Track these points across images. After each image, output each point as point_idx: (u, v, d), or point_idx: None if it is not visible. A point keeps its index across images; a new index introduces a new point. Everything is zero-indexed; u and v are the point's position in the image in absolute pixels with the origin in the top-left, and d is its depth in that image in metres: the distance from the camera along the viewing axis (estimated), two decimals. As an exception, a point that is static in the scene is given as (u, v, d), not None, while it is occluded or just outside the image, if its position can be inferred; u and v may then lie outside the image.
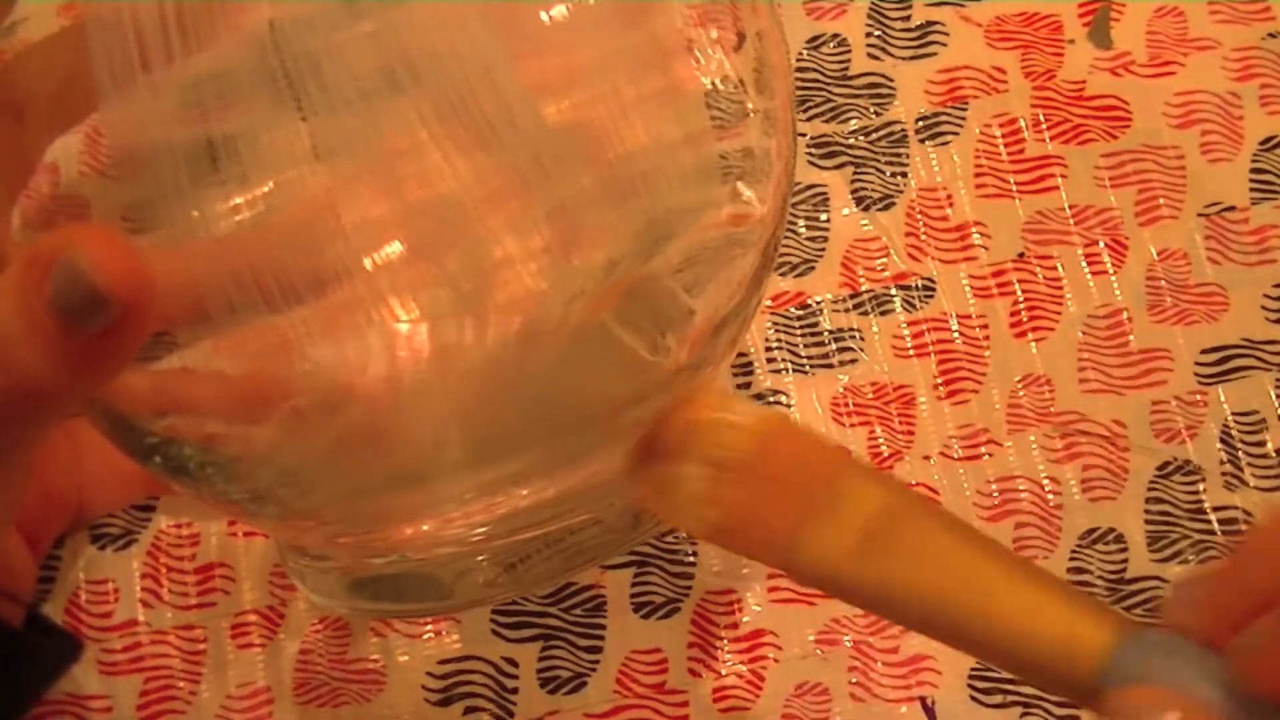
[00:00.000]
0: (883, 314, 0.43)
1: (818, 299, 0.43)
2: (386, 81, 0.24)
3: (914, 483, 0.41)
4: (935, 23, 0.45)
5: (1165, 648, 0.25)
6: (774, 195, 0.29)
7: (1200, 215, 0.43)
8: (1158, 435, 0.42)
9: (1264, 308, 0.42)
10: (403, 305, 0.25)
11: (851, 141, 0.44)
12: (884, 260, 0.43)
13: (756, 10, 0.29)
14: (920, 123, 0.44)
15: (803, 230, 0.43)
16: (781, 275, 0.43)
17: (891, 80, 0.45)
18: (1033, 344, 0.42)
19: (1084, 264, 0.43)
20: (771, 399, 0.42)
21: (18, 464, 0.29)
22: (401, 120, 0.24)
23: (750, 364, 0.42)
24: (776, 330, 0.43)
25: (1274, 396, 0.42)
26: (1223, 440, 0.41)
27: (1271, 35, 0.45)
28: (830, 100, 0.45)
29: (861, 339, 0.43)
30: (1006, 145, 0.44)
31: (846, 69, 0.45)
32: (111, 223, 0.26)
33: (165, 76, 0.23)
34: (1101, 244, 0.43)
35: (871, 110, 0.44)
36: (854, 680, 0.40)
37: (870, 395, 0.42)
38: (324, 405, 0.25)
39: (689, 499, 0.27)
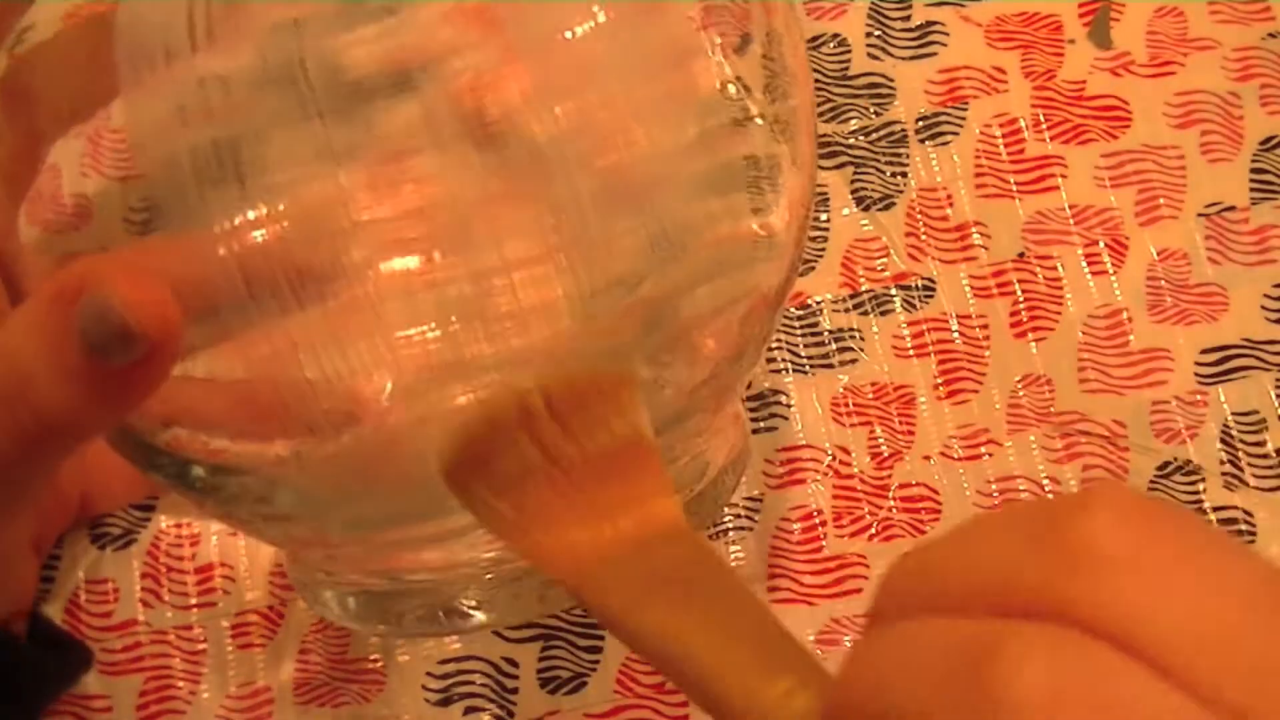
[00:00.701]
0: (883, 314, 0.43)
1: (818, 299, 0.43)
2: (397, 82, 0.24)
3: (914, 482, 0.41)
4: (935, 23, 0.45)
5: None
6: (792, 206, 0.29)
7: (1200, 215, 0.43)
8: (1158, 435, 0.42)
9: (1264, 308, 0.43)
10: (411, 309, 0.25)
11: (851, 141, 0.44)
12: (884, 260, 0.43)
13: (769, 11, 0.28)
14: (920, 123, 0.44)
15: (803, 230, 0.43)
16: (782, 275, 0.43)
17: (891, 80, 0.45)
18: (1033, 344, 0.42)
19: (1084, 264, 0.43)
20: (771, 399, 0.42)
21: (38, 492, 0.29)
22: (411, 121, 0.24)
23: (750, 364, 0.42)
24: (776, 330, 0.42)
25: (1274, 396, 0.42)
26: (1223, 440, 0.41)
27: (1271, 35, 0.45)
28: (830, 100, 0.45)
29: (861, 339, 0.43)
30: (1006, 145, 0.44)
31: (846, 69, 0.45)
32: (116, 223, 0.26)
33: (178, 76, 0.23)
34: (1101, 244, 0.43)
35: (871, 110, 0.44)
36: (854, 680, 0.40)
37: (870, 395, 0.42)
38: (332, 419, 0.25)
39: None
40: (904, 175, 0.44)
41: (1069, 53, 0.45)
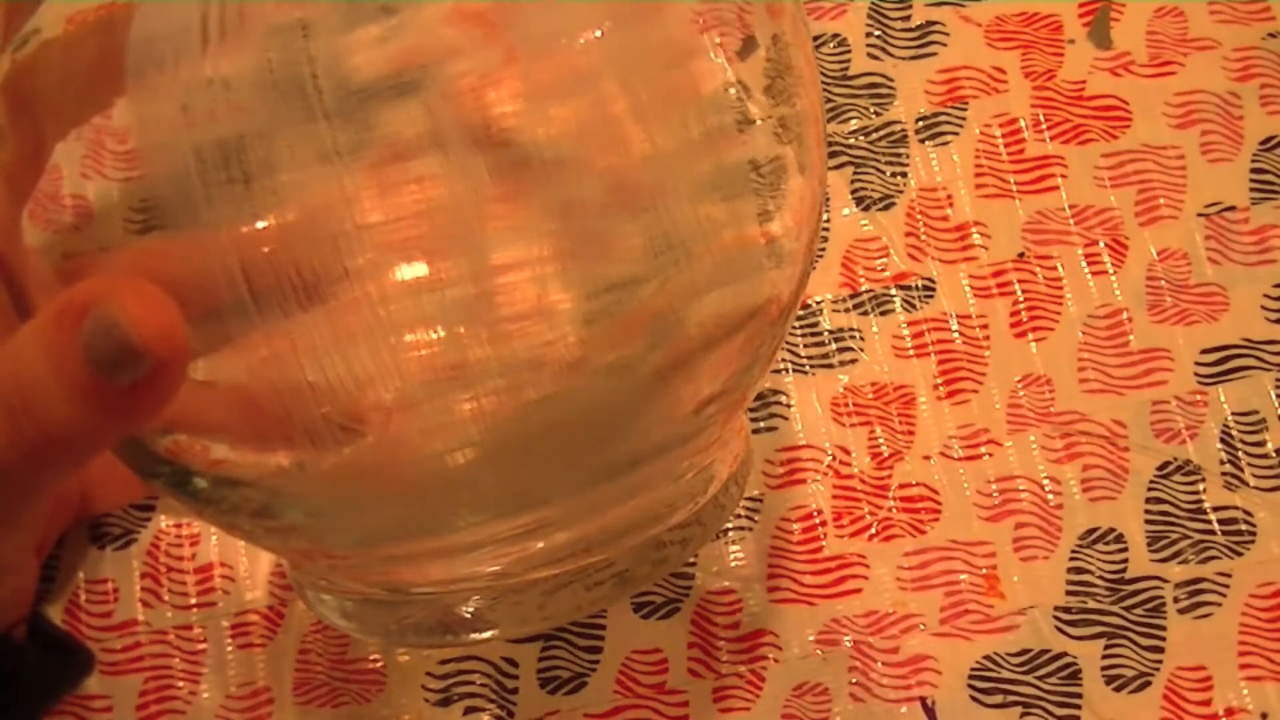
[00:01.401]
0: (883, 314, 0.43)
1: (818, 299, 0.43)
2: (399, 84, 0.24)
3: (914, 483, 0.41)
4: (935, 23, 0.45)
5: None
6: (798, 212, 0.28)
7: (1200, 215, 0.43)
8: (1158, 435, 0.42)
9: (1264, 308, 0.43)
10: (415, 313, 0.24)
11: (851, 141, 0.44)
12: (884, 260, 0.43)
13: (775, 13, 0.28)
14: (920, 123, 0.44)
15: (803, 230, 0.43)
16: (782, 275, 0.43)
17: (891, 80, 0.45)
18: (1033, 344, 0.42)
19: (1084, 264, 0.43)
20: (771, 399, 0.42)
21: (42, 504, 0.29)
22: (413, 123, 0.24)
23: (750, 364, 0.42)
24: (777, 330, 0.42)
25: (1274, 396, 0.42)
26: (1223, 440, 0.42)
27: (1271, 35, 0.45)
28: (830, 100, 0.45)
29: (861, 339, 0.43)
30: (1006, 145, 0.44)
31: (846, 69, 0.45)
32: (118, 224, 0.25)
33: (181, 77, 0.23)
34: (1101, 244, 0.43)
35: (871, 110, 0.44)
36: (854, 680, 0.40)
37: (870, 395, 0.42)
38: (334, 425, 0.25)
39: None
40: (904, 175, 0.44)
41: (1069, 53, 0.45)
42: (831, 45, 0.45)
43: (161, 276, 0.23)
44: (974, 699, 0.40)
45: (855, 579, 0.41)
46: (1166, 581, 0.41)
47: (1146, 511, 0.41)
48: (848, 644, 0.40)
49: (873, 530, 0.41)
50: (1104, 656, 0.40)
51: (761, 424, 0.42)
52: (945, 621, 0.40)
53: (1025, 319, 0.43)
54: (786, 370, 0.42)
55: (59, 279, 0.26)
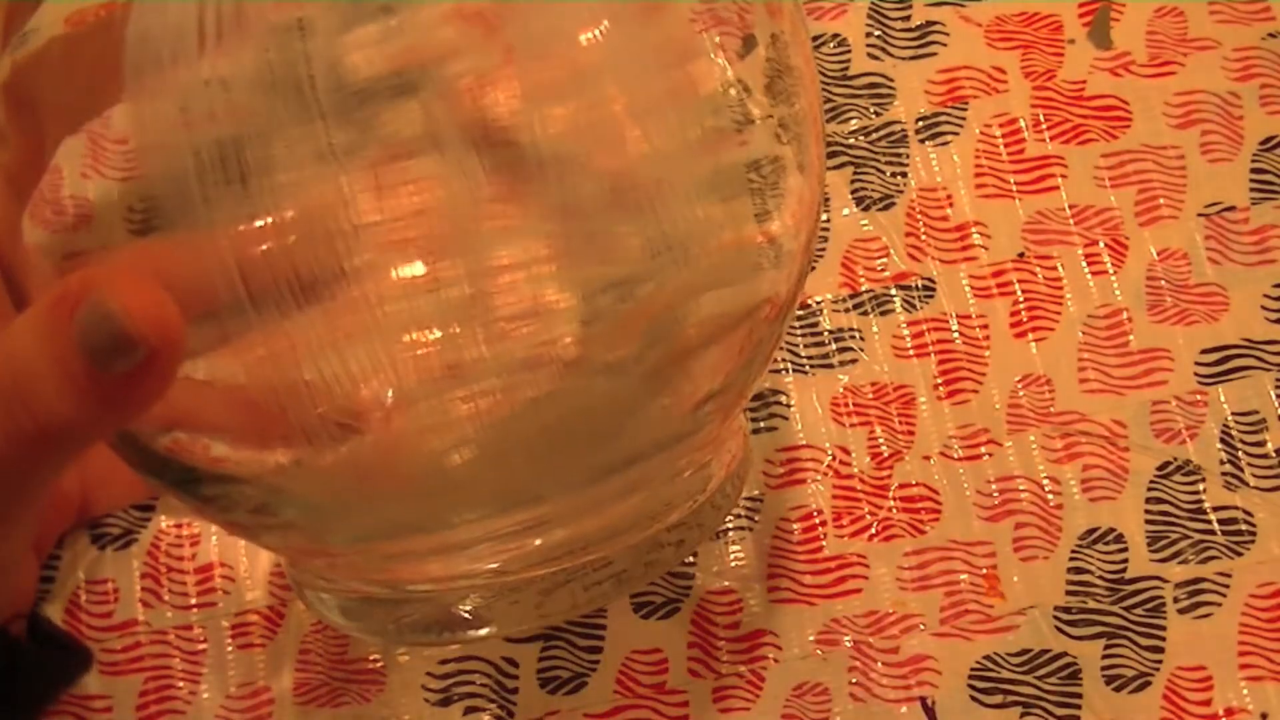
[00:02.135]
0: (883, 314, 0.43)
1: (818, 299, 0.43)
2: (398, 84, 0.24)
3: (914, 482, 0.41)
4: (935, 23, 0.45)
5: None
6: (797, 212, 0.28)
7: (1200, 215, 0.43)
8: (1158, 435, 0.42)
9: (1264, 308, 0.43)
10: (414, 313, 0.24)
11: (851, 141, 0.44)
12: (884, 260, 0.43)
13: (774, 13, 0.28)
14: (920, 123, 0.44)
15: (803, 230, 0.43)
16: (782, 275, 0.43)
17: (891, 80, 0.45)
18: (1033, 344, 0.42)
19: (1084, 264, 0.43)
20: (771, 399, 0.42)
21: (40, 497, 0.29)
22: (412, 123, 0.24)
23: (750, 364, 0.42)
24: (777, 330, 0.42)
25: (1274, 396, 0.42)
26: (1223, 440, 0.41)
27: (1271, 35, 0.45)
28: (830, 100, 0.45)
29: (861, 339, 0.43)
30: (1006, 145, 0.44)
31: (846, 69, 0.45)
32: (117, 224, 0.25)
33: (180, 78, 0.23)
34: (1101, 244, 0.43)
35: (871, 110, 0.44)
36: (854, 680, 0.40)
37: (870, 395, 0.42)
38: (333, 424, 0.25)
39: None
40: (904, 175, 0.44)
41: (1069, 53, 0.45)
42: (831, 45, 0.45)
43: (161, 276, 0.24)
44: (974, 699, 0.40)
45: (855, 579, 0.41)
46: (1166, 581, 0.41)
47: (1146, 511, 0.41)
48: (848, 644, 0.40)
49: (873, 530, 0.41)
50: (1104, 656, 0.40)
51: (761, 424, 0.42)
52: (945, 621, 0.40)
53: (1025, 319, 0.43)
54: (786, 370, 0.42)
55: (60, 279, 0.26)
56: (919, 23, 0.45)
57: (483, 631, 0.29)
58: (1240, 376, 0.42)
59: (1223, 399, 0.42)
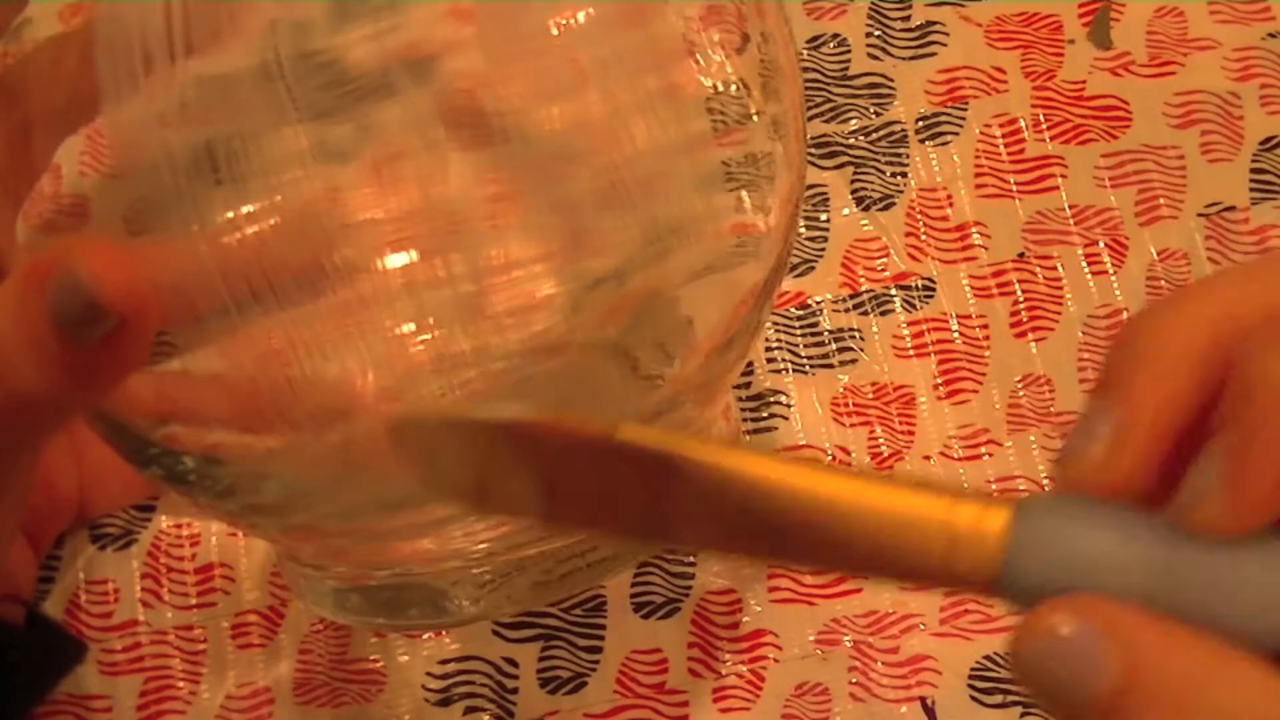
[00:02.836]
0: (883, 314, 0.43)
1: (818, 299, 0.43)
2: (385, 83, 0.24)
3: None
4: (935, 23, 0.45)
5: (1077, 514, 0.21)
6: (782, 204, 0.29)
7: (1200, 215, 0.43)
8: (1158, 435, 0.41)
9: (1264, 308, 0.42)
10: (403, 309, 0.25)
11: (851, 141, 0.44)
12: (884, 260, 0.43)
13: (762, 12, 0.28)
14: (920, 123, 0.44)
15: (803, 230, 0.43)
16: (781, 275, 0.43)
17: (891, 80, 0.45)
18: (1033, 344, 0.42)
19: (1084, 264, 0.43)
20: (771, 399, 0.42)
21: (23, 473, 0.29)
22: (403, 121, 0.24)
23: (750, 364, 0.42)
24: (776, 330, 0.43)
25: (1274, 396, 0.42)
26: (1223, 440, 0.41)
27: (1271, 35, 0.45)
28: (830, 100, 0.45)
29: (861, 339, 0.43)
30: (1006, 145, 0.44)
31: (846, 69, 0.45)
32: (113, 223, 0.26)
33: (169, 77, 0.23)
34: (1101, 244, 0.43)
35: (871, 110, 0.44)
36: (854, 680, 0.40)
37: (870, 395, 0.42)
38: (324, 415, 0.25)
39: None
40: (904, 175, 0.44)
41: (1069, 53, 0.45)
42: (831, 45, 0.45)
43: (154, 275, 0.24)
44: (974, 699, 0.40)
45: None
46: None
47: (1147, 511, 0.41)
48: (848, 644, 0.40)
49: (873, 530, 0.41)
50: (1104, 656, 0.40)
51: (761, 424, 0.42)
52: (945, 621, 0.40)
53: (1025, 319, 0.43)
54: (786, 370, 0.42)
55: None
56: (919, 23, 0.45)
57: (473, 610, 0.30)
58: (1240, 376, 0.42)
59: (1223, 399, 0.42)
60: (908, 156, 0.44)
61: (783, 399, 0.42)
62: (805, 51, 0.45)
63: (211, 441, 0.27)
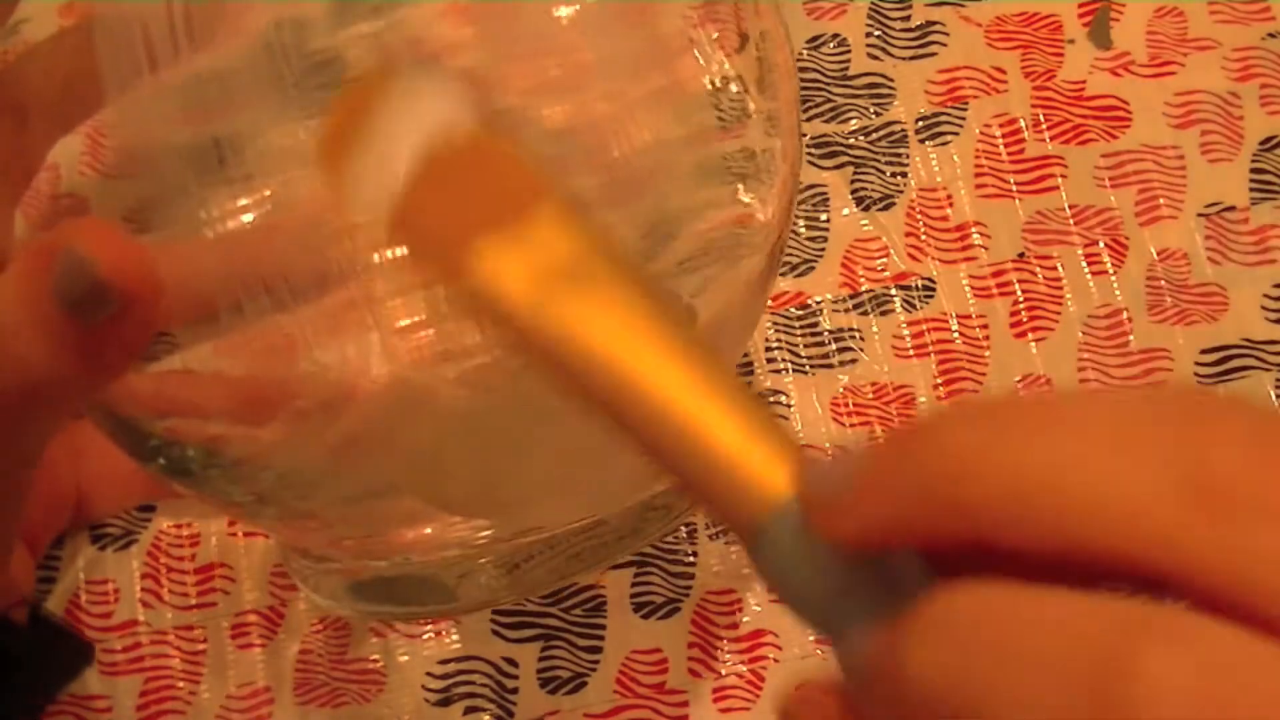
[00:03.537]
0: (883, 314, 0.43)
1: (817, 299, 0.43)
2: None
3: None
4: (935, 23, 0.45)
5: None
6: (778, 198, 0.29)
7: (1200, 215, 0.43)
8: (1158, 435, 0.41)
9: (1264, 308, 0.42)
10: (405, 304, 0.25)
11: (851, 141, 0.44)
12: (884, 260, 0.43)
13: (760, 10, 0.29)
14: (920, 123, 0.44)
15: (803, 230, 0.43)
16: (781, 275, 0.43)
17: (891, 80, 0.45)
18: (1033, 344, 0.42)
19: (1084, 264, 0.43)
20: (771, 399, 0.42)
21: (26, 463, 0.29)
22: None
23: (750, 364, 0.42)
24: (776, 330, 0.43)
25: (1274, 396, 0.42)
26: (1223, 440, 0.41)
27: (1271, 35, 0.45)
28: (830, 100, 0.45)
29: (861, 339, 0.43)
30: (1006, 145, 0.44)
31: (846, 69, 0.45)
32: (113, 222, 0.26)
33: (170, 76, 0.24)
34: (1101, 244, 0.43)
35: (871, 110, 0.44)
36: (854, 680, 0.40)
37: (870, 395, 0.42)
38: (326, 407, 0.25)
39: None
40: (904, 175, 0.44)
41: (1069, 53, 0.45)
42: (831, 45, 0.45)
43: (160, 273, 0.24)
44: (974, 699, 0.40)
45: (855, 579, 0.41)
46: (1167, 581, 0.40)
47: (1147, 511, 0.41)
48: (848, 644, 0.40)
49: (873, 530, 0.41)
50: (1104, 656, 0.40)
51: (761, 424, 0.42)
52: (945, 621, 0.40)
53: (1025, 319, 0.43)
54: (786, 370, 0.42)
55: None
56: (919, 23, 0.45)
57: (479, 597, 0.30)
58: (1240, 377, 0.42)
59: (1223, 399, 0.42)
60: (908, 156, 0.44)
61: (783, 399, 0.42)
62: (805, 51, 0.45)
63: (213, 433, 0.27)
